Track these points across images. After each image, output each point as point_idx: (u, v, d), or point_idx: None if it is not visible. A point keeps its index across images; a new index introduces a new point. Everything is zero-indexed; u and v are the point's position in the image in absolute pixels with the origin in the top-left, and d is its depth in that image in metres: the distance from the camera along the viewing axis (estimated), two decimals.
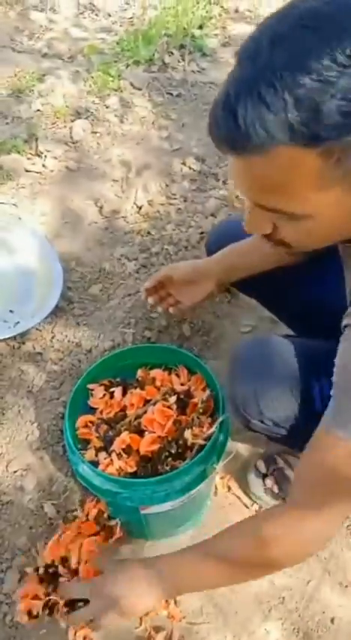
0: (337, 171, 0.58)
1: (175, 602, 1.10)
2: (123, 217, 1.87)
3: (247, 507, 1.24)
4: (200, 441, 1.05)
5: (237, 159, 0.61)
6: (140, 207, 1.89)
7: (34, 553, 1.11)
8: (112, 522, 1.14)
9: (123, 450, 1.08)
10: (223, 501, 1.25)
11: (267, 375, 0.93)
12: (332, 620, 1.10)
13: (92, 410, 1.16)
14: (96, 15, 2.92)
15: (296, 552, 0.80)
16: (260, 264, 1.13)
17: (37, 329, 1.48)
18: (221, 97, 0.58)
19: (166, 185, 1.97)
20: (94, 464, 1.06)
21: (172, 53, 2.60)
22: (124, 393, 1.17)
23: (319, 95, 0.52)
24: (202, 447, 1.04)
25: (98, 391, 1.17)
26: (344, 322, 0.74)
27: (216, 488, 1.26)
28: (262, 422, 0.96)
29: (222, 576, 0.83)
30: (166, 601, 1.10)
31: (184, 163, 2.06)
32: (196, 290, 1.23)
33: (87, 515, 1.15)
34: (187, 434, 1.05)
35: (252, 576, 0.89)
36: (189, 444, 1.06)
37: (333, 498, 0.73)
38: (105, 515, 1.15)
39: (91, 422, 1.14)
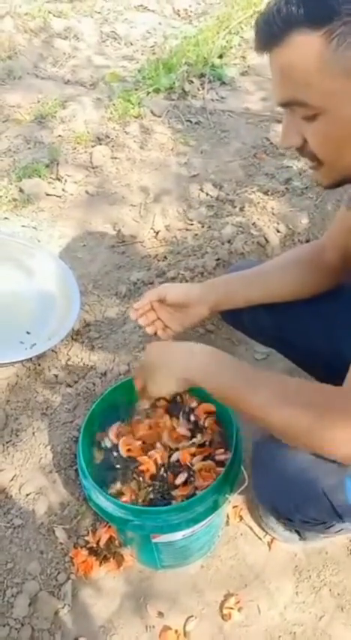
0: (341, 57, 0.63)
1: (185, 634, 1.09)
2: (140, 242, 1.89)
3: (260, 538, 1.23)
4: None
5: (271, 59, 0.69)
6: (157, 232, 1.92)
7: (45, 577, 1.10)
8: (123, 550, 1.14)
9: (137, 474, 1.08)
10: (235, 531, 1.24)
11: (299, 481, 0.88)
12: None
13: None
14: (118, 43, 3.00)
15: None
16: (260, 294, 1.13)
17: (53, 351, 1.49)
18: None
19: (184, 211, 2.00)
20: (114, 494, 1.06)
21: (192, 82, 2.65)
22: None
23: None
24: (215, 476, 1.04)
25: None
26: None
27: (228, 517, 1.25)
28: (290, 520, 0.96)
29: (258, 404, 0.78)
30: (176, 631, 1.08)
31: (201, 189, 2.09)
32: (187, 314, 1.15)
33: (98, 541, 1.15)
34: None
35: (283, 429, 0.79)
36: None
37: None
38: (116, 542, 1.15)
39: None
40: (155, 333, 1.18)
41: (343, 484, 0.85)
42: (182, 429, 1.16)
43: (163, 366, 0.92)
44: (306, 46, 0.64)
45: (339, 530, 0.97)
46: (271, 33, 0.66)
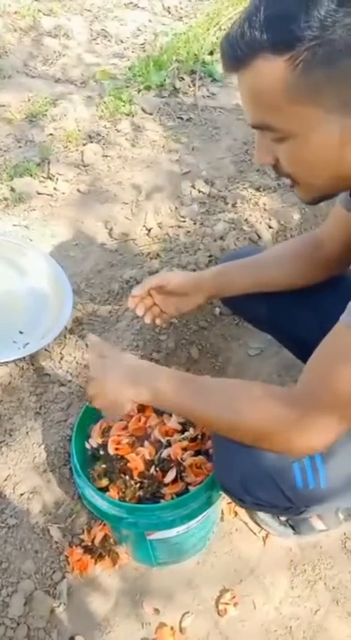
0: (303, 83, 0.62)
1: (181, 630, 1.09)
2: (132, 240, 1.89)
3: (255, 534, 1.23)
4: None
5: (238, 80, 0.68)
6: (150, 230, 1.92)
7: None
8: (118, 548, 1.14)
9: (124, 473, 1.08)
10: (230, 527, 1.24)
11: (248, 462, 0.88)
12: None
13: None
14: (108, 41, 2.99)
15: (290, 439, 0.77)
16: (253, 284, 1.14)
17: (46, 350, 1.49)
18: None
19: (176, 208, 2.00)
20: (102, 488, 1.06)
21: (182, 79, 2.65)
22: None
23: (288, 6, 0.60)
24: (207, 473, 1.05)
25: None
26: None
27: (222, 513, 1.25)
28: (243, 501, 0.95)
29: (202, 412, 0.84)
30: (172, 628, 1.09)
31: (193, 186, 2.08)
32: (185, 301, 1.18)
33: (93, 539, 1.15)
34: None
35: (226, 430, 0.85)
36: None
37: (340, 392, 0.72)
38: (111, 540, 1.15)
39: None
40: (153, 320, 1.21)
41: (291, 468, 0.86)
42: (173, 423, 1.15)
43: (108, 385, 0.90)
44: (270, 71, 0.63)
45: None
46: (235, 57, 0.65)
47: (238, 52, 0.64)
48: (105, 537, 1.15)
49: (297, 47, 0.60)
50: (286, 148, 0.71)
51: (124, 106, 2.39)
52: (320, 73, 0.61)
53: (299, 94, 0.64)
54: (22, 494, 1.21)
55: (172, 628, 1.09)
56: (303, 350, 1.17)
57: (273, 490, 0.88)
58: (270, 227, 1.89)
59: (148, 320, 1.20)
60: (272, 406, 0.77)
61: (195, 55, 2.74)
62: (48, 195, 2.00)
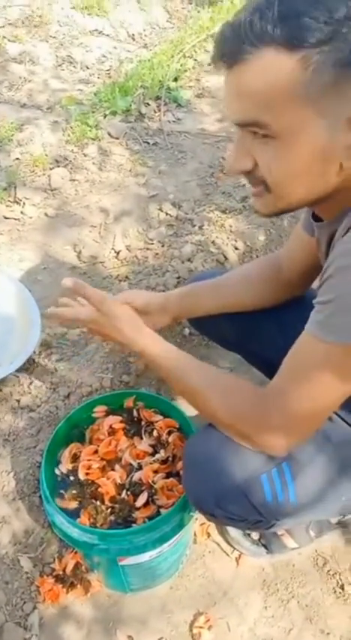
0: (312, 85, 0.61)
1: None
2: (101, 262, 1.90)
3: (227, 554, 1.23)
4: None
5: (231, 73, 0.66)
6: (118, 253, 1.93)
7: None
8: (90, 575, 1.13)
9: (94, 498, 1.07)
10: (203, 549, 1.24)
11: (219, 476, 0.90)
12: None
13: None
14: (74, 67, 3.03)
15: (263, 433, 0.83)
16: (221, 305, 1.16)
17: (14, 375, 1.47)
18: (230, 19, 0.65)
19: (144, 230, 2.02)
20: (71, 515, 1.05)
21: (148, 104, 2.70)
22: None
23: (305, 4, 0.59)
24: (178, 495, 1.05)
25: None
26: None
27: (195, 535, 1.25)
28: (213, 515, 0.96)
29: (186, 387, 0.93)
30: None
31: (160, 209, 2.11)
32: (151, 321, 1.14)
33: (64, 568, 1.13)
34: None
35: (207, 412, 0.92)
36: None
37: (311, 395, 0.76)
38: (83, 567, 1.14)
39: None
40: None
41: (259, 482, 0.88)
42: (144, 445, 1.16)
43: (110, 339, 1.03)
44: (278, 66, 0.61)
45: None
46: (238, 46, 0.62)
47: (244, 42, 0.62)
48: (76, 565, 1.14)
49: (311, 47, 0.59)
50: (270, 149, 0.68)
51: (90, 130, 2.41)
52: (330, 76, 0.61)
53: (303, 96, 0.62)
54: None
55: None
56: (271, 368, 1.19)
57: (243, 503, 0.89)
58: (236, 248, 1.93)
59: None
60: (240, 401, 0.86)
61: (160, 81, 2.80)
62: (15, 219, 1.99)
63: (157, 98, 2.74)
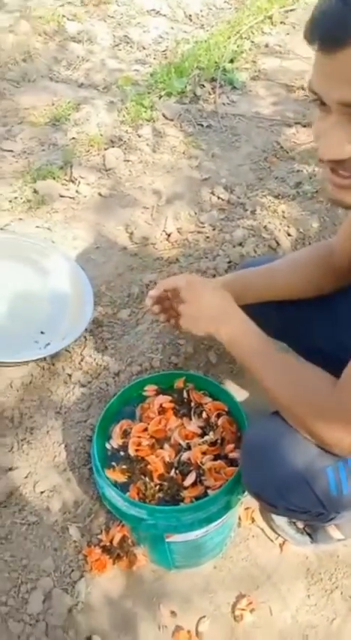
0: None
1: (198, 634, 1.09)
2: (152, 244, 1.90)
3: (272, 540, 1.23)
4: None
5: (332, 58, 0.62)
6: (169, 235, 1.93)
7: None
8: (136, 549, 1.15)
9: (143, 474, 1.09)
10: (247, 533, 1.24)
11: (283, 467, 0.89)
12: None
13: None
14: (131, 47, 3.02)
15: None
16: (266, 293, 1.15)
17: (66, 351, 1.50)
18: None
19: (195, 213, 2.01)
20: (120, 488, 1.07)
21: (203, 86, 2.67)
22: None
23: None
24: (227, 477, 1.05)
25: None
26: None
27: (239, 519, 1.25)
28: (275, 506, 0.96)
29: (269, 379, 0.90)
30: (189, 632, 1.09)
31: (212, 193, 2.10)
32: None
33: (111, 540, 1.16)
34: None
35: (291, 411, 0.89)
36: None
37: None
38: (129, 541, 1.16)
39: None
40: (168, 321, 1.19)
41: (325, 474, 0.87)
42: (193, 426, 1.16)
43: (200, 312, 1.01)
44: None
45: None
46: (343, 33, 0.59)
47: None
48: (123, 538, 1.16)
49: None
50: None
51: (145, 111, 2.41)
52: None
53: None
54: (42, 492, 1.23)
55: (188, 632, 1.09)
56: (318, 358, 1.18)
57: (306, 494, 0.88)
58: (289, 235, 1.90)
59: (162, 319, 1.20)
60: (314, 394, 0.84)
61: (216, 62, 2.77)
62: (70, 198, 2.02)
63: (213, 80, 2.71)
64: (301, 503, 0.91)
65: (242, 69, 2.90)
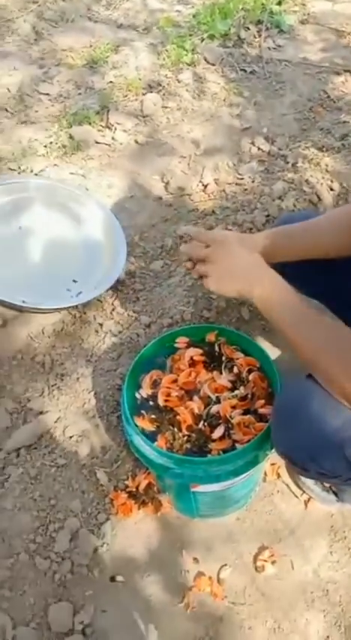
0: None
1: (219, 581, 1.12)
2: (188, 195, 1.85)
3: (296, 497, 1.23)
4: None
5: None
6: (206, 186, 1.87)
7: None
8: (161, 496, 1.17)
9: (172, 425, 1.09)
10: (272, 488, 1.25)
11: (316, 431, 0.88)
12: None
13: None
14: None
15: None
16: (307, 250, 1.10)
17: (98, 300, 1.50)
18: None
19: (234, 165, 1.94)
20: (148, 437, 1.08)
21: (248, 28, 2.53)
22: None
23: None
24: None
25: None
26: None
27: (265, 474, 1.25)
28: (306, 469, 0.95)
29: (301, 340, 0.89)
30: (210, 578, 1.11)
31: (253, 143, 2.02)
32: None
33: (137, 486, 1.18)
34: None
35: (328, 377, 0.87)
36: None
37: None
38: (155, 488, 1.18)
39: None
40: (200, 277, 1.12)
41: None
42: (223, 380, 1.15)
43: (230, 272, 0.98)
44: None
45: None
46: None
47: None
48: (149, 485, 1.18)
49: None
50: None
51: (186, 55, 2.31)
52: None
53: None
54: (71, 437, 1.25)
55: (210, 578, 1.11)
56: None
57: (338, 458, 0.87)
58: (331, 189, 1.82)
59: (195, 274, 1.13)
60: (349, 354, 0.83)
61: (262, 4, 2.62)
62: (106, 144, 1.97)
63: (259, 22, 2.57)
64: (331, 468, 0.89)
65: (290, 11, 2.74)
